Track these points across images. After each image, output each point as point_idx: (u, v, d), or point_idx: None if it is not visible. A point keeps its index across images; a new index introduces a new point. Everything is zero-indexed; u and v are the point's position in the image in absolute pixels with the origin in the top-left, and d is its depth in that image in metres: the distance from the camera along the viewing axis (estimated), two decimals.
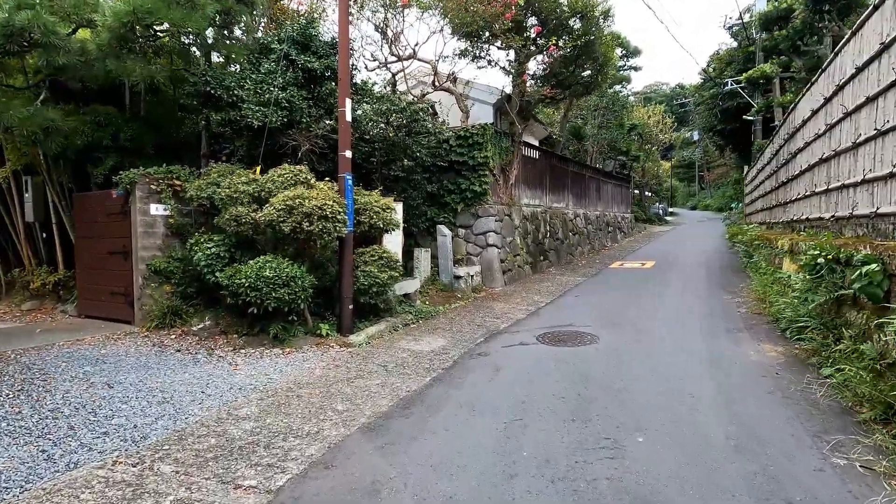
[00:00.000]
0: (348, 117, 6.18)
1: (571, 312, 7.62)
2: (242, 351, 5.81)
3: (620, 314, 7.36)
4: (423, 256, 9.66)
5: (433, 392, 4.36)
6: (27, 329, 7.28)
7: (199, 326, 6.85)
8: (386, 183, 9.67)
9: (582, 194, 16.84)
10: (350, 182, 6.17)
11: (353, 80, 8.39)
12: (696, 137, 49.35)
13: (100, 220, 7.90)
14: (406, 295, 7.78)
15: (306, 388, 4.50)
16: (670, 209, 42.16)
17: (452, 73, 12.22)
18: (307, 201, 5.61)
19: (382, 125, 8.45)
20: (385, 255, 6.52)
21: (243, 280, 5.61)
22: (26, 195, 9.45)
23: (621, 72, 22.14)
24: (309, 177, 6.34)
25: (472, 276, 9.58)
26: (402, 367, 5.10)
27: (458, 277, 9.29)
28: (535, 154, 13.04)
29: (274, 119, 7.13)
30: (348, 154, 6.19)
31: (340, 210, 5.80)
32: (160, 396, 4.33)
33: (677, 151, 53.52)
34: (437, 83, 11.91)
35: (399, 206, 7.98)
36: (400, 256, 8.10)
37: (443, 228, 9.69)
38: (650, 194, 31.86)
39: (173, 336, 6.70)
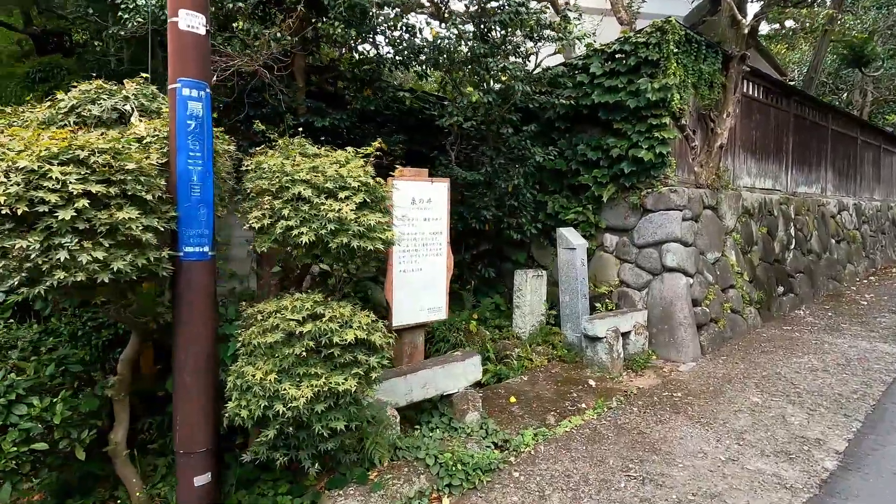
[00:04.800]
0: None
1: None
2: None
3: None
4: (529, 286, 4.98)
5: None
6: None
7: None
8: (477, 156, 5.23)
9: (849, 171, 9.82)
10: (193, 106, 1.99)
11: None
12: None
13: None
14: (445, 398, 3.29)
15: None
16: None
17: None
18: None
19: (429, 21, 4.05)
20: (324, 319, 2.15)
21: None
22: None
23: None
24: (145, 102, 2.32)
25: (625, 334, 4.57)
26: None
27: (594, 339, 4.38)
28: (762, 94, 7.07)
29: None
30: (190, 22, 2.01)
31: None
32: None
33: None
34: None
35: (439, 189, 3.48)
36: (443, 301, 3.60)
37: (568, 235, 4.86)
38: None
39: None
